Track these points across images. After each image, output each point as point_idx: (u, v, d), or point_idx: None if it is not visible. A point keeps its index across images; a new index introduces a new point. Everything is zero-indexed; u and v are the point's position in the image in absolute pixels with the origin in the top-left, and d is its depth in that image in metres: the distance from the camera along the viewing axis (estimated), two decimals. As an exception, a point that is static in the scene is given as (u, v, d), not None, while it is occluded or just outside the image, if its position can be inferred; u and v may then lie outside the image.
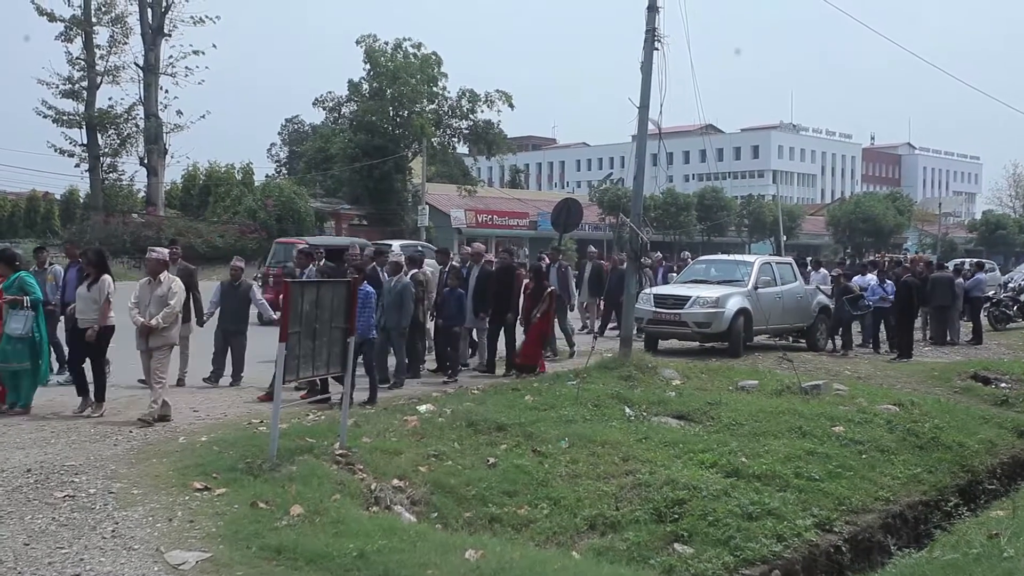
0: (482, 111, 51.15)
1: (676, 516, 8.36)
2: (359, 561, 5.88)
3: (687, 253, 28.33)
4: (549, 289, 14.21)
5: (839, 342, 18.93)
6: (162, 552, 5.91)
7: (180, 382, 11.98)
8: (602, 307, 20.39)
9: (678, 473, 9.17)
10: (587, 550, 7.79)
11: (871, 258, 27.11)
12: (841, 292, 18.71)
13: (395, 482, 8.20)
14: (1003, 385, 15.63)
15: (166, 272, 10.15)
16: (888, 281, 19.21)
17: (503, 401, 11.36)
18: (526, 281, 14.83)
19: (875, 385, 14.84)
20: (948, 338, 20.49)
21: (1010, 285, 28.47)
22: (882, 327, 19.58)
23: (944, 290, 20.05)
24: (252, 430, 9.19)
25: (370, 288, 11.39)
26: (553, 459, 9.43)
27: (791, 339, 19.24)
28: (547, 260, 18.38)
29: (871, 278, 19.50)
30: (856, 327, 19.69)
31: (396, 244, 20.20)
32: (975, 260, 30.21)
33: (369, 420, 9.88)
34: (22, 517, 6.48)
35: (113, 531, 6.27)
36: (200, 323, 12.51)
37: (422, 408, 10.55)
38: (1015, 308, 24.80)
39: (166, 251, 10.71)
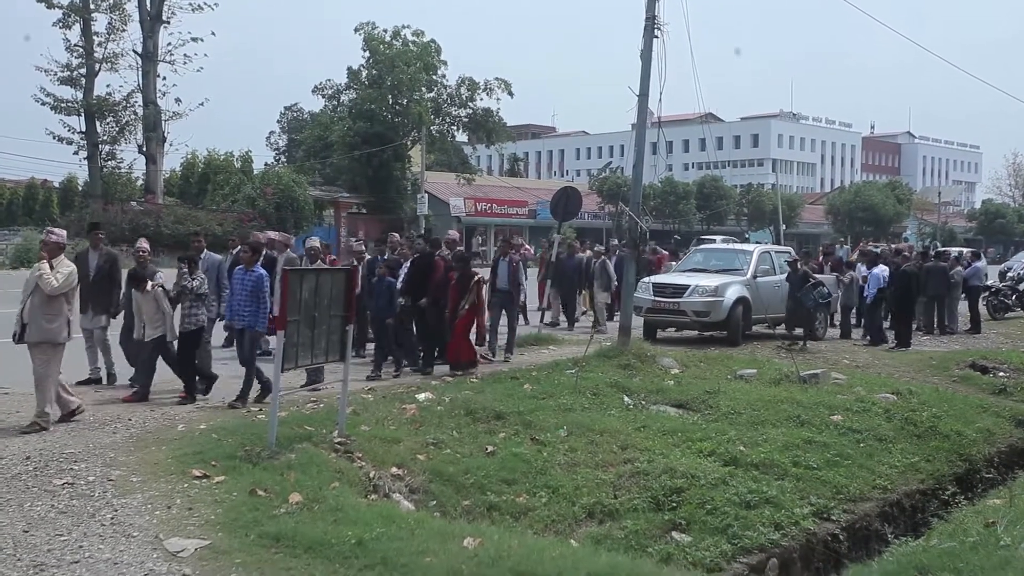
0: (481, 99, 51.09)
1: (674, 504, 8.39)
2: (358, 548, 5.89)
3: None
4: (475, 278, 12.98)
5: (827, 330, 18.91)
6: (161, 539, 5.93)
7: (111, 377, 11.18)
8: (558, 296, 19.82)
9: (676, 462, 9.20)
10: (585, 538, 7.82)
11: (861, 247, 26.80)
12: (800, 281, 17.26)
13: (394, 470, 8.22)
14: (1001, 374, 15.65)
15: (63, 257, 9.09)
16: (880, 267, 19.04)
17: (502, 390, 11.37)
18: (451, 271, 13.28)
19: (873, 374, 14.85)
20: (947, 326, 20.51)
21: (1009, 275, 28.43)
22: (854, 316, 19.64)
23: (938, 280, 20.04)
24: (251, 418, 9.20)
25: (263, 271, 10.41)
26: (552, 447, 9.45)
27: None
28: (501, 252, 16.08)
29: (884, 268, 19.22)
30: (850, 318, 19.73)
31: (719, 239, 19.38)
32: (969, 250, 30.11)
33: (368, 408, 9.89)
34: (21, 504, 6.49)
35: (112, 518, 6.28)
36: (112, 314, 11.14)
37: (421, 396, 10.56)
38: (1014, 297, 24.79)
39: (64, 232, 9.52)
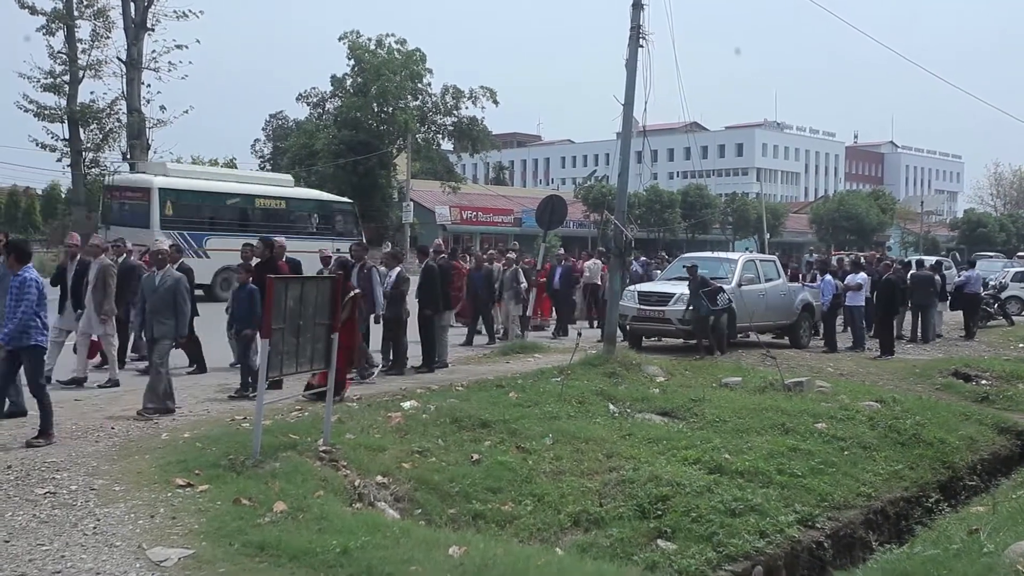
0: (466, 107, 51.24)
1: (659, 512, 8.40)
2: (342, 558, 5.86)
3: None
4: (352, 293, 10.95)
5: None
6: (144, 549, 5.88)
7: None
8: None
9: (661, 470, 9.21)
10: (571, 546, 7.82)
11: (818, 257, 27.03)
12: (697, 287, 16.34)
13: (379, 478, 8.19)
14: (984, 382, 15.77)
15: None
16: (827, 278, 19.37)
17: (487, 398, 11.36)
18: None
19: (857, 382, 14.94)
20: (932, 334, 20.69)
21: (990, 283, 28.69)
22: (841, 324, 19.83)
23: (924, 288, 20.26)
24: (235, 427, 9.15)
25: (34, 275, 8.41)
26: (537, 456, 9.45)
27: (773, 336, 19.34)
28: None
29: (863, 276, 19.33)
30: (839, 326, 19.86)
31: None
32: (936, 259, 30.37)
33: (353, 416, 9.86)
34: (2, 514, 6.43)
35: (95, 528, 6.23)
36: None
37: (406, 404, 10.53)
38: (995, 306, 25.03)
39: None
